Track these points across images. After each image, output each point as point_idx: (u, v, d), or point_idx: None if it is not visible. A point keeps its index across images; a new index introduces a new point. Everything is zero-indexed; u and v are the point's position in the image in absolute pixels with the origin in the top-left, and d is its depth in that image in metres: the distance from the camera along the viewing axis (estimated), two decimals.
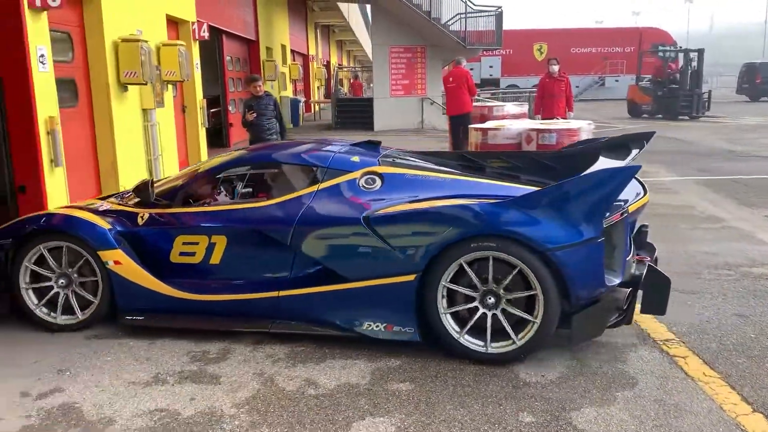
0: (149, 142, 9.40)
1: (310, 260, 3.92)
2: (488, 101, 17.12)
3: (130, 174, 8.59)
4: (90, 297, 4.22)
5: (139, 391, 3.43)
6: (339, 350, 3.86)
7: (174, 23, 11.40)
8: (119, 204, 4.59)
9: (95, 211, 4.43)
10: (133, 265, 4.13)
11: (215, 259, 4.11)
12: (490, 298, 3.59)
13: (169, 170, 10.17)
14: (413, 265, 3.62)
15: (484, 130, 7.24)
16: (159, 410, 3.23)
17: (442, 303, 3.63)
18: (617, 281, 3.61)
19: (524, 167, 4.71)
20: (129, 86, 8.75)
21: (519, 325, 3.58)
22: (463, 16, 20.14)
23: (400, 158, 4.46)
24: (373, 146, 4.67)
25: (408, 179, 4.05)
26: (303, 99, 25.24)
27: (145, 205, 4.38)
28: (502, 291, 3.57)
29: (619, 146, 4.53)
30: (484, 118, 9.89)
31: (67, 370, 3.70)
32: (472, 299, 3.61)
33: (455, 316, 3.67)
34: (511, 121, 8.16)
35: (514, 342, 3.56)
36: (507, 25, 23.50)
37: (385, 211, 3.77)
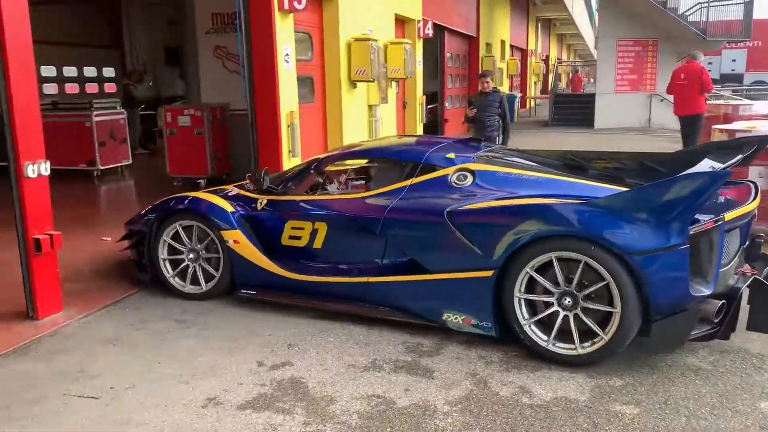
0: (372, 136, 9.88)
1: (398, 250, 4.15)
2: (732, 99, 15.26)
3: None
4: (213, 271, 4.76)
5: (358, 374, 3.58)
6: (554, 362, 3.67)
7: (401, 21, 11.83)
8: (245, 190, 5.00)
9: (225, 196, 4.89)
10: (249, 245, 4.59)
11: (317, 243, 4.46)
12: (566, 299, 3.58)
13: None
14: (492, 262, 3.70)
15: (732, 132, 6.42)
16: (375, 396, 3.34)
17: (517, 299, 3.69)
18: (707, 292, 3.41)
19: (630, 169, 4.51)
20: (358, 83, 9.25)
21: (590, 332, 3.54)
22: (704, 5, 18.20)
23: (498, 156, 4.53)
24: (474, 144, 4.90)
25: (500, 177, 4.15)
26: (519, 95, 24.81)
27: (265, 192, 4.79)
28: (578, 291, 3.53)
29: (732, 148, 4.27)
30: (728, 119, 8.81)
31: (296, 345, 3.99)
32: (549, 298, 3.64)
33: (530, 311, 3.72)
34: (764, 121, 7.14)
35: (592, 344, 3.53)
36: (759, 14, 20.76)
37: (468, 207, 3.90)
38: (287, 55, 7.26)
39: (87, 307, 4.68)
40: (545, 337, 3.64)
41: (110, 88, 23.40)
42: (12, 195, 4.33)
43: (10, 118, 4.20)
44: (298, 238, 4.55)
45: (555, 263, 3.54)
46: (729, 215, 3.56)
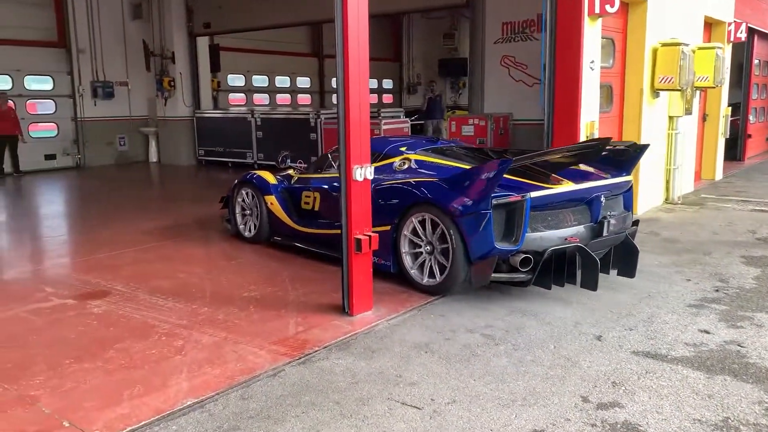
0: (671, 151, 8.90)
1: None
2: None
3: (646, 183, 8.26)
4: (257, 223, 6.88)
5: None
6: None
7: (707, 25, 10.54)
8: (293, 169, 6.92)
9: (276, 173, 6.96)
10: (279, 207, 6.60)
11: (316, 207, 6.29)
12: (428, 247, 5.05)
13: (684, 183, 9.47)
14: (390, 219, 5.24)
15: None
16: None
17: (404, 247, 5.22)
18: (512, 248, 4.66)
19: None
20: (660, 92, 8.39)
21: (442, 268, 4.97)
22: None
23: (438, 149, 6.01)
24: (430, 141, 6.46)
25: (425, 163, 5.63)
26: None
27: (299, 171, 6.82)
28: (435, 242, 4.99)
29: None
30: None
31: (621, 384, 3.54)
32: (419, 246, 5.14)
33: (413, 258, 5.23)
34: None
35: (443, 276, 4.96)
36: None
37: (385, 183, 5.46)
38: (592, 62, 6.79)
39: (394, 309, 4.77)
40: (418, 273, 5.16)
41: (386, 98, 25.14)
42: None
43: (345, 125, 4.43)
44: (308, 203, 6.41)
45: (416, 222, 5.11)
46: (534, 194, 4.69)
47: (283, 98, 20.65)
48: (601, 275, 4.89)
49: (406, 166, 5.67)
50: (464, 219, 4.69)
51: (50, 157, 14.87)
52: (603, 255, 5.12)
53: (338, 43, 4.44)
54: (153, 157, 16.13)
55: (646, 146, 5.54)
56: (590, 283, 4.76)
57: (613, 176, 5.33)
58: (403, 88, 24.98)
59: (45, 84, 14.86)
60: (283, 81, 20.51)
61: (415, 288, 5.17)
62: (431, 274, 5.04)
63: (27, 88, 14.50)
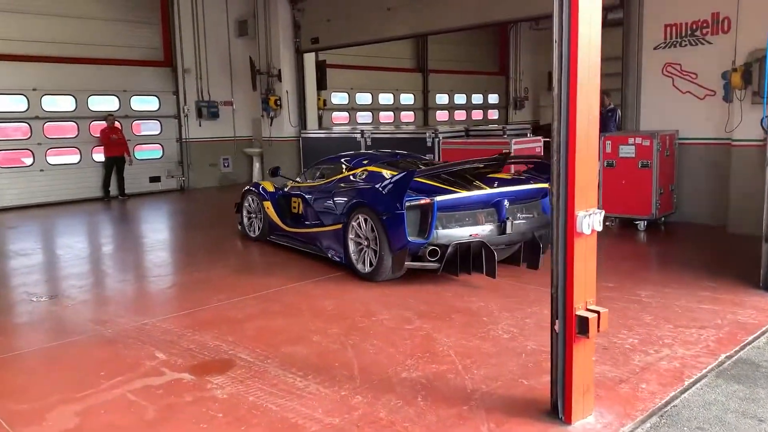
0: None
1: (316, 213, 7.21)
2: None
3: None
4: (257, 227, 8.36)
5: None
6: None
7: None
8: (290, 179, 8.17)
9: (275, 184, 8.38)
10: (273, 210, 7.96)
11: (300, 211, 7.56)
12: (365, 242, 6.18)
13: None
14: (341, 219, 6.51)
15: None
16: None
17: (350, 242, 6.37)
18: (422, 242, 5.69)
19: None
20: None
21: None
22: None
23: (393, 162, 7.27)
24: (391, 156, 7.81)
25: (375, 174, 6.72)
26: None
27: (293, 181, 8.10)
28: (369, 236, 6.12)
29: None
30: None
31: None
32: (360, 241, 6.28)
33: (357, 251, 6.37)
34: None
35: (376, 265, 6.06)
36: None
37: (340, 188, 6.83)
38: None
39: (622, 412, 3.39)
40: (361, 264, 6.27)
41: (491, 114, 23.67)
42: (550, 255, 3.27)
43: (567, 158, 3.13)
44: (295, 207, 7.65)
45: (354, 221, 6.27)
46: (440, 198, 5.75)
47: (386, 116, 19.67)
48: (514, 266, 6.28)
49: (364, 176, 6.83)
50: (387, 218, 5.82)
51: (155, 179, 14.45)
52: (515, 251, 6.27)
53: (560, 51, 3.18)
54: (257, 178, 15.44)
55: None
56: (490, 272, 5.68)
57: (522, 183, 6.41)
58: (509, 103, 23.45)
59: (150, 104, 14.49)
60: (385, 98, 19.54)
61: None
62: (369, 264, 6.16)
63: (133, 108, 14.15)
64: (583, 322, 3.17)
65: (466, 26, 12.67)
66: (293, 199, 7.70)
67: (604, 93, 11.37)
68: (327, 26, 13.76)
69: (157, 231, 10.54)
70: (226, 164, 15.48)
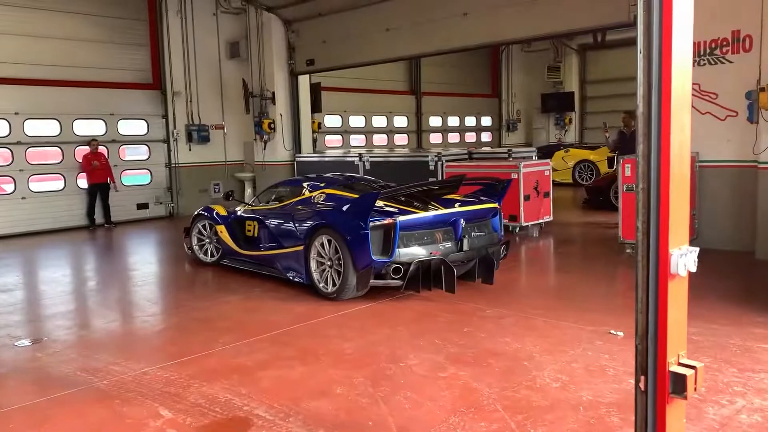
0: None
1: (274, 236, 7.32)
2: None
3: None
4: (215, 251, 8.40)
5: None
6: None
7: None
8: (243, 204, 8.42)
9: (227, 207, 8.46)
10: (227, 234, 8.04)
11: (255, 234, 7.68)
12: (329, 262, 6.29)
13: None
14: (302, 241, 6.58)
15: None
16: None
17: (313, 263, 6.49)
18: (386, 260, 5.93)
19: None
20: None
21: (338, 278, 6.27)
22: None
23: (349, 184, 7.53)
24: (350, 179, 7.98)
25: (334, 196, 6.97)
26: None
27: (244, 204, 8.39)
28: (332, 257, 6.25)
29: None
30: None
31: None
32: (323, 263, 6.42)
33: (319, 271, 6.51)
34: None
35: (339, 284, 6.21)
36: None
37: (299, 211, 7.02)
38: None
39: None
40: (324, 284, 6.39)
41: (484, 136, 23.38)
42: (635, 301, 2.79)
43: (659, 188, 2.66)
44: (250, 230, 7.78)
45: (317, 242, 6.41)
46: (402, 218, 6.02)
47: (379, 139, 19.28)
48: (469, 282, 6.55)
49: (321, 198, 7.08)
50: (351, 238, 5.97)
51: (142, 206, 13.84)
52: (470, 267, 6.49)
53: (648, 60, 2.71)
54: None
55: (509, 182, 7.37)
56: (450, 287, 6.00)
57: (475, 204, 6.77)
58: (502, 125, 23.20)
59: (138, 128, 13.94)
60: (379, 120, 19.17)
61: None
62: (333, 284, 6.30)
63: (120, 132, 13.59)
64: (679, 380, 2.67)
65: (467, 47, 12.34)
66: (248, 222, 7.82)
67: (629, 114, 11.00)
68: (323, 47, 13.38)
69: (146, 263, 9.93)
70: (216, 189, 14.92)
